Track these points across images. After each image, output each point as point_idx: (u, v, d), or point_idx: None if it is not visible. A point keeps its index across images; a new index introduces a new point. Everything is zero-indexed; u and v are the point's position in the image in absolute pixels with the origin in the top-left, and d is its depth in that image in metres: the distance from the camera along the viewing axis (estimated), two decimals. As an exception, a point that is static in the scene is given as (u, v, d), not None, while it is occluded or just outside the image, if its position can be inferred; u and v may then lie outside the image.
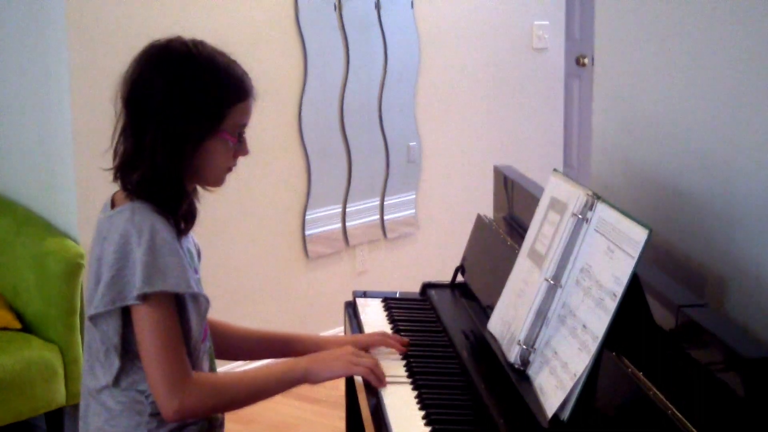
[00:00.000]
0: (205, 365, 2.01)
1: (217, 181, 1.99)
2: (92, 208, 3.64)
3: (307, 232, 4.60)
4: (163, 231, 1.85)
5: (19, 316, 3.62)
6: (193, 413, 1.90)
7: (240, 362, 4.16)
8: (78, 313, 3.55)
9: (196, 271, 1.99)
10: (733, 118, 2.05)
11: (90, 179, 3.64)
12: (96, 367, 1.93)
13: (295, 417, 4.02)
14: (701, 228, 2.14)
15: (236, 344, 2.24)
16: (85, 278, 3.45)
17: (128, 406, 1.90)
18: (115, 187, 2.00)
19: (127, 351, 1.89)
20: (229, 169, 1.99)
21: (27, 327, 3.60)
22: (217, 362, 2.12)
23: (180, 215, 1.92)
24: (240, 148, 1.97)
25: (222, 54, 1.96)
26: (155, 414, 1.90)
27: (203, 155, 1.91)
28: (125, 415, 1.91)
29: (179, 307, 1.88)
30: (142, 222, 1.84)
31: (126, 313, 1.86)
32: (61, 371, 3.51)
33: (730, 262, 2.01)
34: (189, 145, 1.88)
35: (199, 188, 2.03)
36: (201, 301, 1.93)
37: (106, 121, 3.33)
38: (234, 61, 1.97)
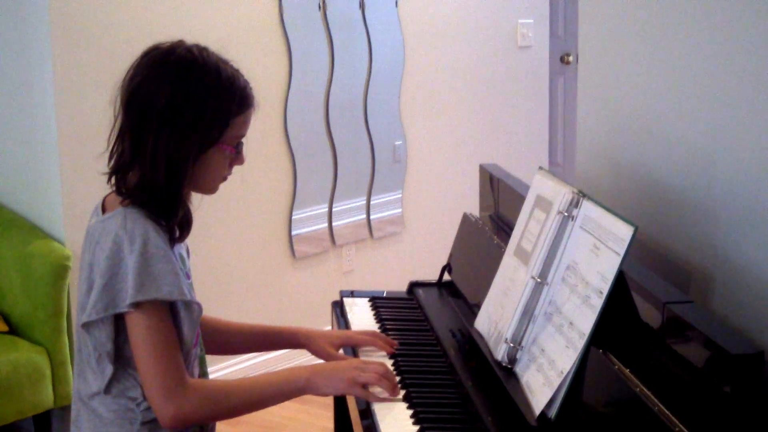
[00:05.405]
0: (196, 370, 1.99)
1: (212, 190, 1.99)
2: (78, 209, 3.65)
3: (294, 232, 4.60)
4: (156, 238, 1.83)
5: (6, 319, 3.61)
6: (190, 420, 1.87)
7: (235, 368, 4.17)
8: (65, 314, 3.54)
9: (188, 276, 1.98)
10: (716, 115, 2.05)
11: (76, 181, 3.63)
12: (87, 372, 1.91)
13: (284, 417, 4.02)
14: (686, 225, 2.15)
15: (227, 339, 2.25)
16: (74, 281, 3.46)
17: (120, 414, 1.89)
18: (102, 189, 1.99)
19: (120, 357, 1.87)
20: (224, 178, 1.98)
21: (14, 329, 3.59)
22: (212, 359, 2.11)
23: (175, 223, 1.90)
24: (237, 157, 1.96)
25: (226, 63, 1.93)
26: (147, 422, 1.88)
27: (202, 165, 1.90)
28: (117, 423, 1.89)
29: (172, 313, 1.86)
30: (134, 228, 1.82)
31: (119, 320, 1.84)
32: (48, 373, 3.50)
33: (715, 258, 2.02)
34: (190, 155, 1.86)
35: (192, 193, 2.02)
36: (193, 308, 1.91)
37: (91, 122, 3.31)
38: (237, 71, 1.94)
